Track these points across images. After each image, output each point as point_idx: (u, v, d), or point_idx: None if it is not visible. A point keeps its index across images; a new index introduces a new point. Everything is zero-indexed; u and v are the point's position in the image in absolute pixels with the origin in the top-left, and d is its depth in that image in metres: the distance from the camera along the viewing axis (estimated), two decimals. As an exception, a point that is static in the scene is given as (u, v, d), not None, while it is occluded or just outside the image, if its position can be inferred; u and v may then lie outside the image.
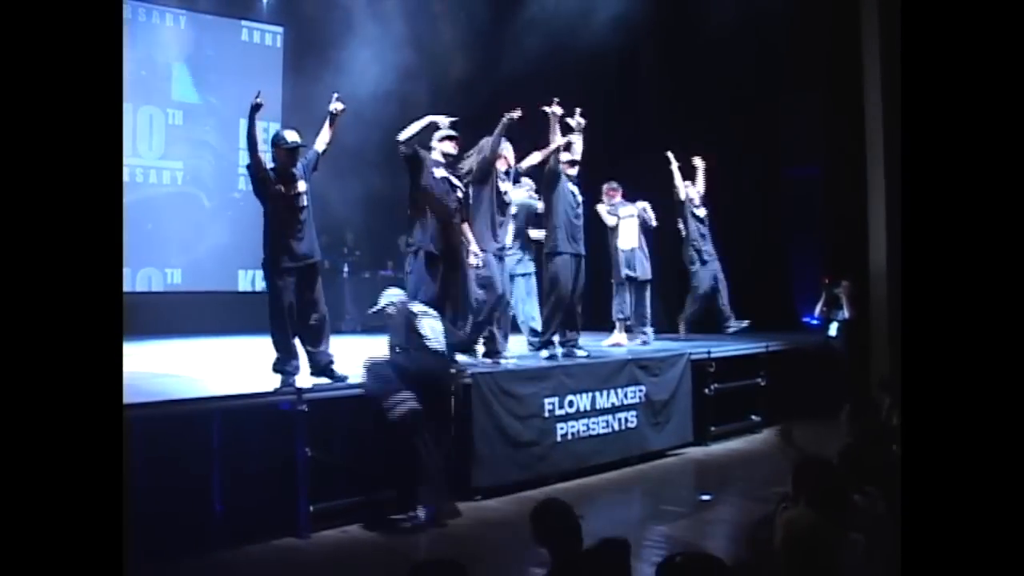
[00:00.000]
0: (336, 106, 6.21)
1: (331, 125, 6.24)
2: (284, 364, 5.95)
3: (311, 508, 5.68)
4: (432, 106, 7.69)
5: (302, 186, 6.03)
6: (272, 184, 5.94)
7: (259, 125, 5.94)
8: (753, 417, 9.20)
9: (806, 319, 11.48)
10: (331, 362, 6.11)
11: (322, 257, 6.23)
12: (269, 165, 6.03)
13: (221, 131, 11.38)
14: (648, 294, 9.44)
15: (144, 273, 10.97)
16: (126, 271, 10.64)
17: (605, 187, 9.39)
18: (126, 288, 10.39)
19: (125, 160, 10.70)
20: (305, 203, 6.03)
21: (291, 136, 6.07)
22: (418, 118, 6.68)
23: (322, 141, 6.24)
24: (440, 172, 6.70)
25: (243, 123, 11.12)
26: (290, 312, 5.92)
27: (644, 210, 9.42)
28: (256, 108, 5.82)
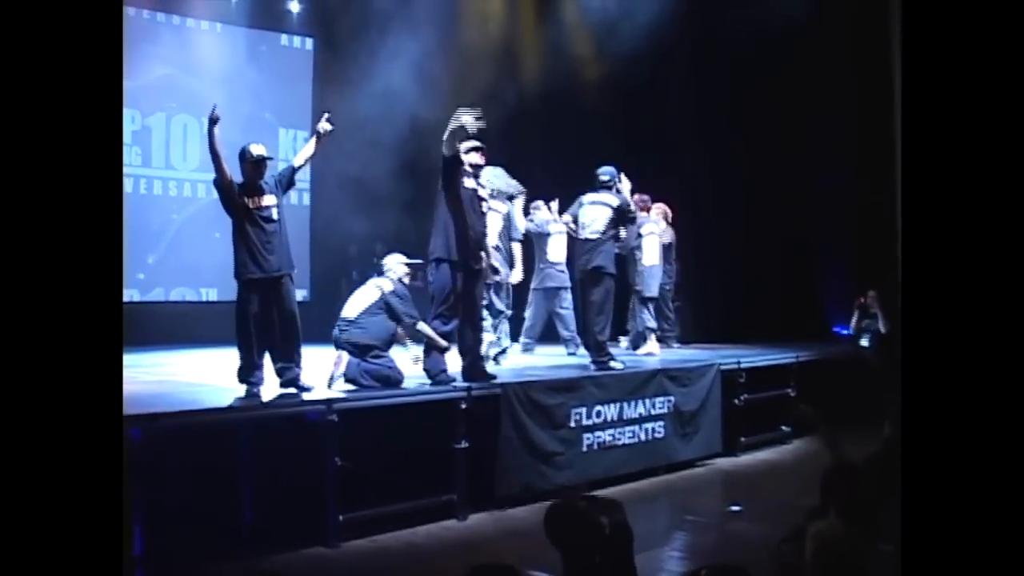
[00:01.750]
0: (324, 126, 6.17)
1: (316, 142, 6.24)
2: (248, 375, 5.94)
3: (341, 518, 5.71)
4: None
5: (271, 200, 5.99)
6: (237, 197, 5.92)
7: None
8: (783, 428, 9.12)
9: (836, 329, 11.37)
10: (297, 376, 6.07)
11: (293, 270, 6.13)
12: (238, 179, 6.00)
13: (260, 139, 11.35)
14: (651, 307, 9.50)
15: (178, 292, 10.93)
16: (159, 291, 10.66)
17: (636, 197, 9.24)
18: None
19: (158, 173, 10.76)
20: (275, 216, 5.99)
21: (256, 150, 6.03)
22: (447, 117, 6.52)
23: (302, 156, 6.27)
24: (470, 183, 6.70)
25: (282, 132, 11.36)
26: (256, 325, 5.91)
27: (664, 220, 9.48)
28: (214, 121, 5.78)
